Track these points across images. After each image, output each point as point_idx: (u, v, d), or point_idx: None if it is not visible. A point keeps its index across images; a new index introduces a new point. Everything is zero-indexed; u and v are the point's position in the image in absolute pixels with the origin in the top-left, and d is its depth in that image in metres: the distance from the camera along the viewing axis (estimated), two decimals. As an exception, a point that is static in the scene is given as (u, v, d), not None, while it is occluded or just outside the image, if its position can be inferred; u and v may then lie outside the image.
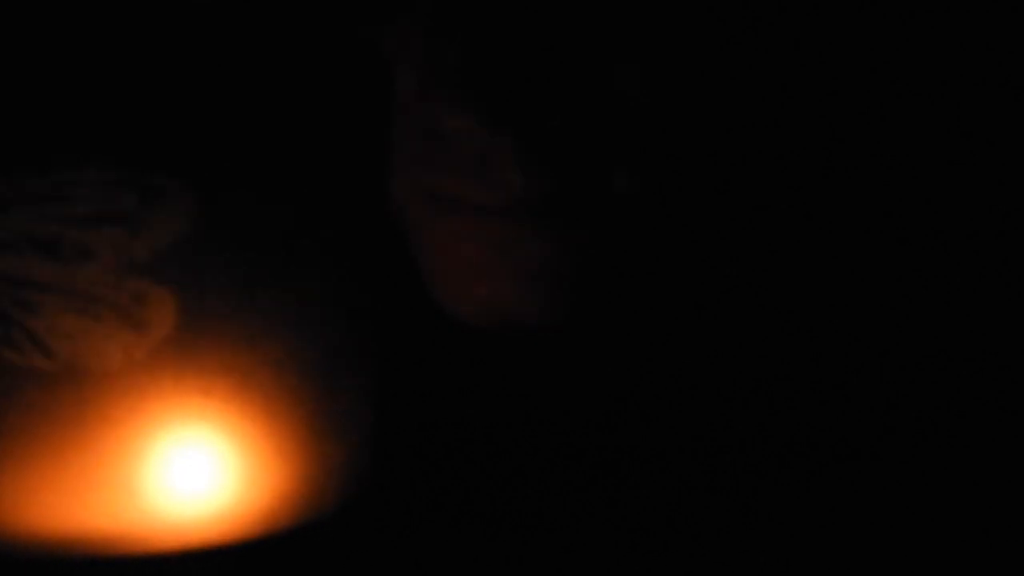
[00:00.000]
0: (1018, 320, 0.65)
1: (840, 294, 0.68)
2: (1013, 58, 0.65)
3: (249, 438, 0.49)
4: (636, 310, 0.64)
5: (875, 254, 0.67)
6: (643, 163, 0.60)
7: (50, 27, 0.46)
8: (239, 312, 0.48)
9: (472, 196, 0.59)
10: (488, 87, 0.58)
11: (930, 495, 0.61)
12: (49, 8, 0.46)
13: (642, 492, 0.61)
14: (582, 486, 0.62)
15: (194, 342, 0.47)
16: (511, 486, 0.61)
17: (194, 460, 0.48)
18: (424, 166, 0.59)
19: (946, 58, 0.65)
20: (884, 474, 0.62)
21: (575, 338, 0.67)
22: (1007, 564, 0.56)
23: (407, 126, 0.59)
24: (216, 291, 0.47)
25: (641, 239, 0.61)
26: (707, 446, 0.65)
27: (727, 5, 0.61)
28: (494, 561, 0.55)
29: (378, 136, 0.52)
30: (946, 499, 0.60)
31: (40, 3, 0.46)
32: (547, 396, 0.67)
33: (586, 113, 0.59)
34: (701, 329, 0.67)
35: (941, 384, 0.65)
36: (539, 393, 0.68)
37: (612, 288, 0.62)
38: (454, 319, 0.63)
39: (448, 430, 0.66)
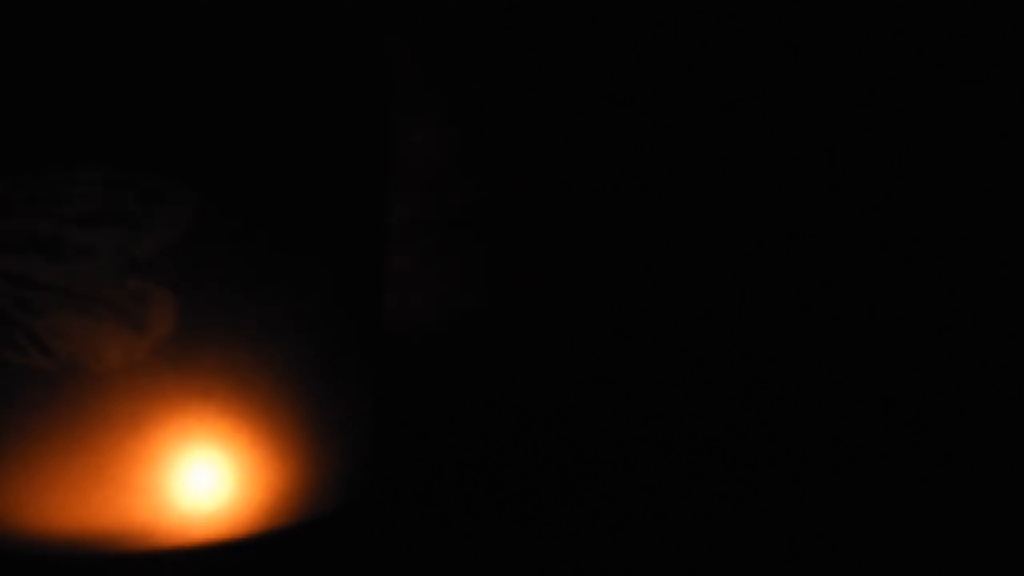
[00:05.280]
0: (1018, 320, 0.65)
1: (837, 294, 0.68)
2: (1013, 58, 0.65)
3: (249, 437, 0.49)
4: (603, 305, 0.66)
5: (866, 254, 0.67)
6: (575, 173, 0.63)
7: (49, 27, 0.46)
8: (239, 312, 0.48)
9: (419, 213, 0.62)
10: (449, 105, 0.60)
11: (930, 495, 0.61)
12: (49, 8, 0.46)
13: (640, 491, 0.61)
14: (580, 485, 0.62)
15: (194, 342, 0.47)
16: (511, 486, 0.61)
17: (194, 459, 0.48)
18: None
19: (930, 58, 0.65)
20: (883, 473, 0.62)
21: (561, 335, 0.67)
22: (1007, 564, 0.56)
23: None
24: (216, 291, 0.47)
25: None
26: (706, 444, 0.65)
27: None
28: (494, 561, 0.55)
29: (378, 138, 0.52)
30: (946, 499, 0.60)
31: (40, 3, 0.46)
32: (545, 395, 0.67)
33: (527, 131, 0.62)
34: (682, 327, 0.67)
35: (940, 384, 0.65)
36: (537, 393, 0.68)
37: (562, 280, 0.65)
38: (427, 325, 0.65)
39: (447, 429, 0.66)
